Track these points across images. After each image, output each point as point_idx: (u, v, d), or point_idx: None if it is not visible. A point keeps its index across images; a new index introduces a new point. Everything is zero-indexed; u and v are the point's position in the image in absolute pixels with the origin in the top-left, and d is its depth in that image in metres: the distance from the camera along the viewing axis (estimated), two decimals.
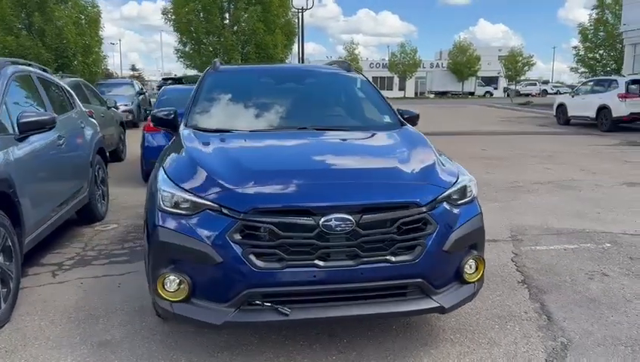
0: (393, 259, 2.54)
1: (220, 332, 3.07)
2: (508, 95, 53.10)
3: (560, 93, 56.46)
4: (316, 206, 2.49)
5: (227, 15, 24.22)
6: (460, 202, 2.81)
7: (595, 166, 9.66)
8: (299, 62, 26.04)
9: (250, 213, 2.47)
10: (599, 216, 5.95)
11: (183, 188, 2.67)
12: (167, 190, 2.69)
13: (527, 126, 19.26)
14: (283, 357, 2.87)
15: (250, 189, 2.58)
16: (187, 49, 24.12)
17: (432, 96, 57.95)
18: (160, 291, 2.61)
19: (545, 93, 56.94)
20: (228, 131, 3.53)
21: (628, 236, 5.12)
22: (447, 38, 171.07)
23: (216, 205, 2.54)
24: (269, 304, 2.52)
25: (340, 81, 4.43)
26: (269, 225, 2.46)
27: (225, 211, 2.51)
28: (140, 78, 51.40)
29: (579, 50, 28.60)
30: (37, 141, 4.06)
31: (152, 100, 25.15)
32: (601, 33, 27.40)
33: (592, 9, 28.01)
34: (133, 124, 16.47)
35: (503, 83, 59.07)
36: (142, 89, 21.17)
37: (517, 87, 51.78)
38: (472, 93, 59.04)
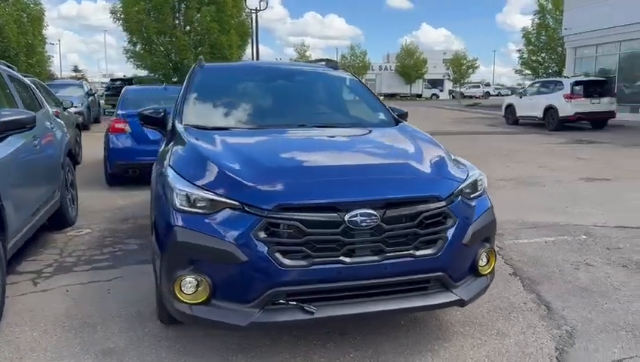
0: (416, 253, 2.55)
1: (231, 334, 3.00)
2: (453, 97, 54.75)
3: (501, 95, 58.74)
4: (342, 201, 2.47)
5: (178, 14, 23.70)
6: (472, 196, 2.86)
7: (552, 163, 10.09)
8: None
9: (275, 210, 2.41)
10: (567, 209, 6.21)
11: (199, 186, 2.58)
12: (182, 188, 2.59)
13: (479, 126, 19.90)
14: (300, 357, 2.82)
15: (273, 186, 2.52)
16: (137, 49, 23.41)
17: (381, 97, 58.38)
18: (177, 294, 2.51)
19: (488, 95, 59.04)
20: (227, 129, 3.44)
21: (599, 228, 5.37)
22: (392, 42, 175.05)
23: (237, 203, 2.47)
24: (294, 303, 2.47)
25: (330, 78, 4.42)
26: (294, 222, 2.41)
27: (248, 209, 2.44)
28: (83, 79, 49.43)
29: (523, 53, 29.90)
30: (15, 141, 3.82)
31: (102, 102, 24.32)
32: (543, 37, 28.70)
33: (534, 14, 29.35)
34: (84, 126, 15.78)
35: (448, 85, 60.76)
36: (90, 90, 20.36)
37: (462, 90, 53.42)
38: (419, 95, 60.30)
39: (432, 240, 2.59)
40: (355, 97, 4.24)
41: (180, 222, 2.52)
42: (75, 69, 69.43)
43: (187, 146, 3.05)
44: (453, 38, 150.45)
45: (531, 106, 18.89)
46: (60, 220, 5.31)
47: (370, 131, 3.60)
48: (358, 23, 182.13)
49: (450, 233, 2.62)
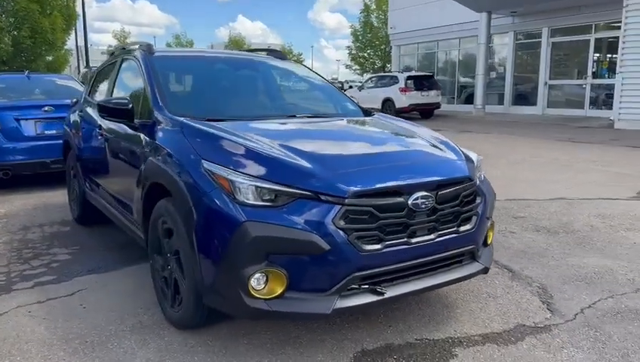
0: (460, 229, 2.81)
1: (261, 330, 2.96)
2: None
3: None
4: (405, 185, 2.61)
5: None
6: (477, 175, 3.22)
7: None
8: (84, 48, 23.40)
9: (352, 197, 2.47)
10: None
11: (260, 178, 2.49)
12: (243, 181, 2.47)
13: None
14: (347, 341, 2.89)
15: (345, 175, 2.55)
16: None
17: None
18: (251, 291, 2.42)
19: None
20: (222, 120, 3.28)
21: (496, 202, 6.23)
22: (210, 33, 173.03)
23: (310, 193, 2.46)
24: (367, 286, 2.56)
25: (291, 69, 4.44)
26: (369, 207, 2.49)
27: (324, 198, 2.45)
28: None
29: (351, 49, 32.15)
30: None
31: None
32: (369, 35, 31.20)
33: (360, 12, 31.73)
34: None
35: None
36: None
37: None
38: None
39: (469, 217, 2.88)
40: (319, 88, 4.32)
41: (250, 217, 2.41)
42: None
43: (215, 137, 2.85)
44: (270, 31, 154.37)
45: (370, 99, 20.49)
46: None
47: (364, 121, 3.75)
48: (172, 11, 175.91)
49: (479, 209, 2.94)
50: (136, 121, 3.49)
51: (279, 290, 2.44)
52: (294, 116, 3.60)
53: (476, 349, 2.82)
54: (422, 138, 3.29)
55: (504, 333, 3.00)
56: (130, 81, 4.11)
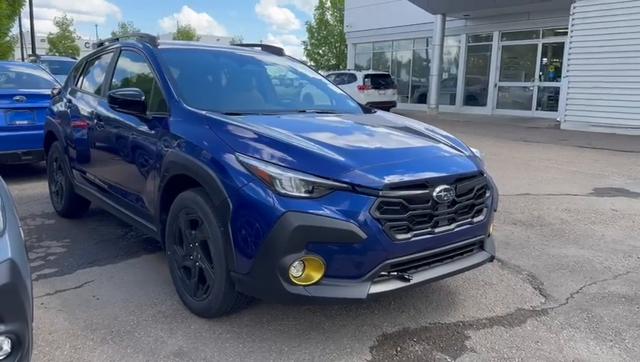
0: (474, 220, 3.03)
1: (283, 316, 3.08)
2: None
3: None
4: (430, 178, 2.79)
5: None
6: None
7: None
8: (30, 35, 22.24)
9: (386, 189, 2.62)
10: None
11: (297, 170, 2.60)
12: (282, 173, 2.57)
13: None
14: (367, 326, 3.05)
15: (378, 168, 2.69)
16: None
17: None
18: (291, 278, 2.53)
19: None
20: (238, 114, 3.34)
21: None
22: (152, 23, 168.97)
23: (347, 185, 2.59)
24: (395, 273, 2.72)
25: (292, 65, 4.52)
26: (400, 199, 2.65)
27: (360, 190, 2.59)
28: None
29: (307, 45, 32.28)
30: None
31: None
32: (324, 32, 31.42)
33: (315, 9, 31.91)
34: None
35: None
36: None
37: None
38: None
39: (481, 209, 3.10)
40: (319, 84, 4.44)
41: (291, 207, 2.51)
42: None
43: (246, 131, 2.91)
44: (216, 24, 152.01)
45: None
46: None
47: (374, 117, 3.90)
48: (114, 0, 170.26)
49: (489, 201, 3.17)
50: (148, 113, 3.50)
51: (317, 277, 2.56)
52: (304, 111, 3.71)
53: (486, 331, 3.05)
54: (434, 134, 3.49)
55: (508, 316, 3.25)
56: (134, 73, 4.09)
